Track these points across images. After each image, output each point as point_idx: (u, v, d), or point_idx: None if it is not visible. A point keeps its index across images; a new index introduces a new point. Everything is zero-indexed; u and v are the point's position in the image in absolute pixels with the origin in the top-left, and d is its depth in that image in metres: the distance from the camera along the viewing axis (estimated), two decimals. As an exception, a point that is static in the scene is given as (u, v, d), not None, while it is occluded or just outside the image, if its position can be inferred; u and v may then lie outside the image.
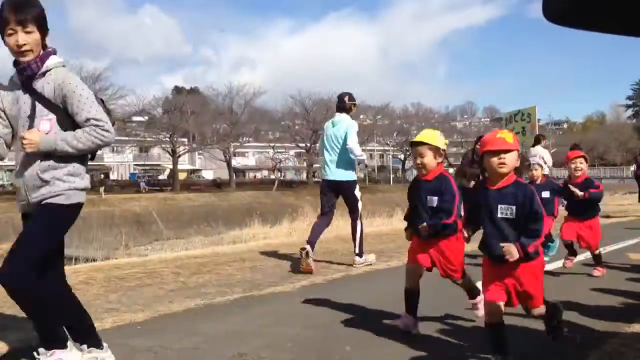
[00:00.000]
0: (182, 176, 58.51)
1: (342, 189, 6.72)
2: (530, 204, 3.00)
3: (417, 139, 3.84)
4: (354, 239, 6.77)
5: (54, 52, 2.96)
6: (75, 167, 2.95)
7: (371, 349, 3.57)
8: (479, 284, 3.51)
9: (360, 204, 6.79)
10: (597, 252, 6.10)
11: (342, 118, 6.79)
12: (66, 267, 7.10)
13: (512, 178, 3.07)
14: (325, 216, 6.80)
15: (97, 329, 4.04)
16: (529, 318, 4.13)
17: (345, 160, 6.63)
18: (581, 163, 6.10)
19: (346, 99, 6.95)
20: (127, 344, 3.75)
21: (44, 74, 2.87)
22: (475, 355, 3.38)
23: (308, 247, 6.33)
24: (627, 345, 3.48)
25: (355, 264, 6.74)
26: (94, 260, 9.36)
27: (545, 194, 5.99)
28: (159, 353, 3.54)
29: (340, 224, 13.50)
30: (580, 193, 5.92)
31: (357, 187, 6.84)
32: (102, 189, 41.40)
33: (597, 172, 60.94)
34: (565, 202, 6.34)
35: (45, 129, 2.84)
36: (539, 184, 6.13)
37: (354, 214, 6.75)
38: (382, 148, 74.72)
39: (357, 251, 6.78)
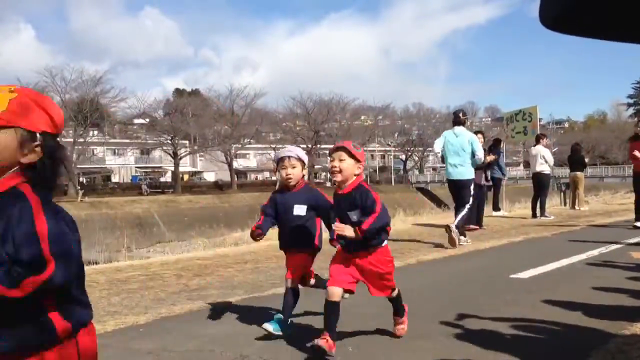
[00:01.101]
0: (183, 178, 58.54)
1: (462, 185, 8.52)
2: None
3: None
4: (456, 218, 8.39)
5: None
6: None
7: (373, 350, 3.57)
8: None
9: (471, 199, 8.63)
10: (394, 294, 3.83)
11: (462, 130, 8.67)
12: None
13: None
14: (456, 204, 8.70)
15: (98, 332, 4.05)
16: (533, 319, 4.13)
17: (466, 163, 8.53)
18: (342, 160, 3.39)
19: (460, 114, 8.88)
20: (129, 346, 3.75)
21: None
22: (480, 356, 3.38)
23: (452, 226, 8.05)
24: (630, 344, 3.47)
25: (460, 243, 8.24)
26: (96, 263, 9.37)
27: (299, 210, 3.89)
28: (161, 355, 3.54)
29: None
30: (343, 229, 3.36)
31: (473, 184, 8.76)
32: (81, 193, 40.55)
33: (600, 171, 60.87)
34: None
35: None
36: (294, 193, 3.93)
37: (465, 203, 8.50)
38: (383, 149, 74.75)
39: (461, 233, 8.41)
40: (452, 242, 7.99)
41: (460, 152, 8.52)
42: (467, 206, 8.45)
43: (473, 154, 8.59)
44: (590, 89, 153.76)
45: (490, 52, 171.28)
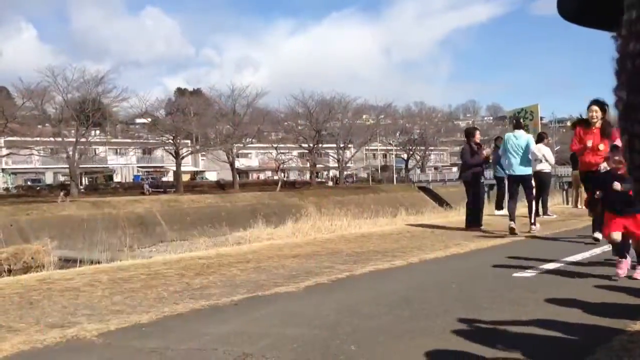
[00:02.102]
0: (185, 178, 58.54)
1: (524, 180, 9.83)
2: None
3: None
4: (530, 213, 9.88)
5: None
6: None
7: (377, 349, 3.57)
8: None
9: (534, 190, 10.20)
10: None
11: (521, 133, 9.93)
12: (71, 269, 7.13)
13: None
14: (513, 200, 9.95)
15: (101, 331, 4.06)
16: (537, 317, 4.13)
17: (526, 160, 9.72)
18: None
19: (521, 120, 10.97)
20: (132, 345, 3.76)
21: None
22: (483, 354, 3.37)
23: (512, 223, 9.45)
24: (634, 342, 3.47)
25: (531, 231, 9.61)
26: (99, 262, 9.37)
27: None
28: (164, 354, 3.54)
29: (343, 224, 13.49)
30: None
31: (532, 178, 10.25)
32: (62, 193, 38.78)
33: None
34: None
35: None
36: None
37: (529, 196, 9.94)
38: (385, 148, 74.69)
39: (532, 221, 9.83)
40: (513, 232, 9.36)
41: (520, 151, 9.72)
42: (533, 198, 10.01)
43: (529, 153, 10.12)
44: (592, 87, 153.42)
45: (492, 51, 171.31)
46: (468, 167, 10.82)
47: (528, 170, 9.90)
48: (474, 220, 10.62)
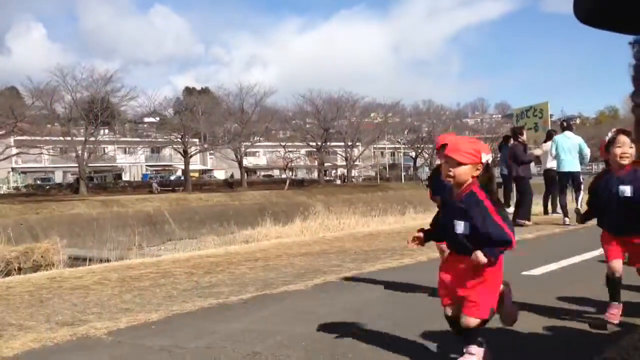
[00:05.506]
0: (193, 176, 58.68)
1: (574, 176, 11.01)
2: None
3: None
4: (577, 202, 10.79)
5: None
6: None
7: (385, 348, 3.56)
8: None
9: (582, 185, 10.88)
10: None
11: (572, 135, 11.05)
12: (80, 268, 7.17)
13: None
14: (563, 194, 11.22)
15: (111, 329, 4.08)
16: (546, 316, 4.11)
17: (576, 159, 10.75)
18: None
19: (571, 122, 11.81)
20: (142, 343, 3.77)
21: None
22: (493, 352, 3.36)
23: (566, 219, 10.47)
24: (644, 342, 3.44)
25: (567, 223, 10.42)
26: (108, 260, 9.44)
27: None
28: (173, 352, 3.55)
29: (352, 222, 13.49)
30: None
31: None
32: None
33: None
34: None
35: None
36: None
37: (578, 191, 11.09)
38: (393, 146, 74.56)
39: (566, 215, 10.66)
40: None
41: (572, 150, 10.75)
42: (582, 190, 10.76)
43: (581, 153, 10.88)
44: (601, 84, 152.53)
45: (501, 48, 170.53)
46: (520, 163, 11.25)
47: (578, 167, 11.04)
48: (523, 214, 11.02)
